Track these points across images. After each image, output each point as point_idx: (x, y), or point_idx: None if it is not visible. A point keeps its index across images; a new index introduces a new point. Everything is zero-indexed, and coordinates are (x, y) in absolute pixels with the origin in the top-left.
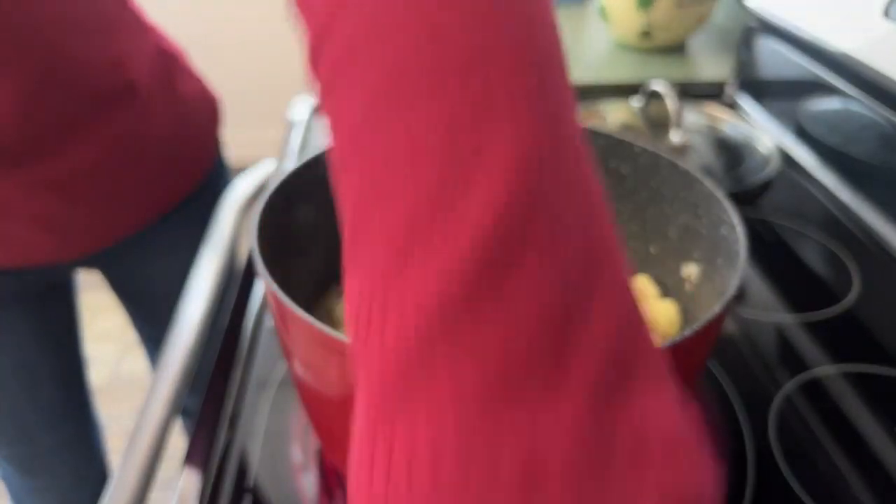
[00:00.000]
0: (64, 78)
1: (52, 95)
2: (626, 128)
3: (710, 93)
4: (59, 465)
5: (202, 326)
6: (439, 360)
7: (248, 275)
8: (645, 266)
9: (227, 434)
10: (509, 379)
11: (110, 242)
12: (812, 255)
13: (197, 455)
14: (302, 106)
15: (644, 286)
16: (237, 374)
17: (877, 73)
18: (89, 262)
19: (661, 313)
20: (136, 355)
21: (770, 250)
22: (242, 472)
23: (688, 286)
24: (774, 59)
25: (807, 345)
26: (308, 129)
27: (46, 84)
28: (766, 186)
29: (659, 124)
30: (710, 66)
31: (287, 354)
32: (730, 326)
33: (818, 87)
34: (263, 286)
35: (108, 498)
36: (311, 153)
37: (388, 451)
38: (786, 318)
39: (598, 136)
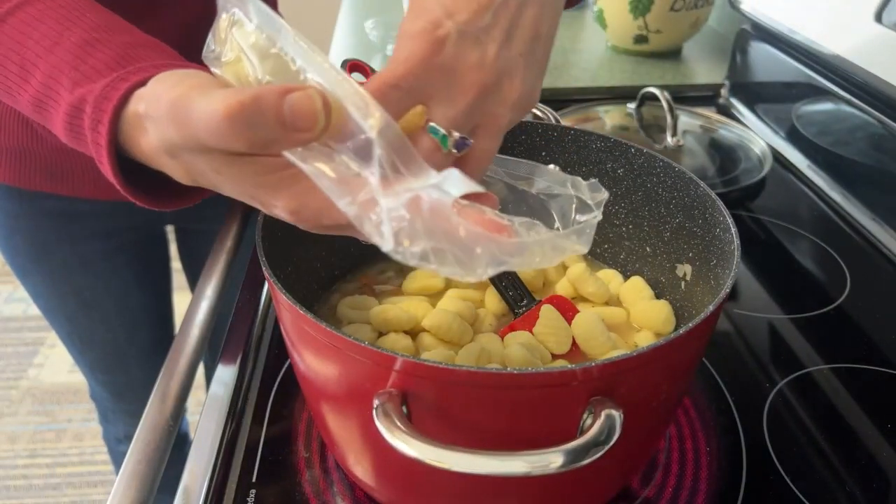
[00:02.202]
0: None
1: None
2: (622, 130)
3: (705, 96)
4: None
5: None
6: None
7: (254, 270)
8: (640, 265)
9: (231, 426)
10: None
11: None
12: (804, 254)
13: (202, 449)
14: None
15: (639, 287)
16: (244, 368)
17: (868, 75)
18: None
19: (656, 313)
20: None
21: (763, 250)
22: (247, 466)
23: (682, 285)
24: (767, 62)
25: (800, 342)
26: None
27: None
28: (759, 187)
29: (654, 127)
30: (705, 69)
31: (290, 350)
32: (724, 324)
33: (811, 90)
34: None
35: None
36: None
37: None
38: (779, 316)
39: (594, 139)
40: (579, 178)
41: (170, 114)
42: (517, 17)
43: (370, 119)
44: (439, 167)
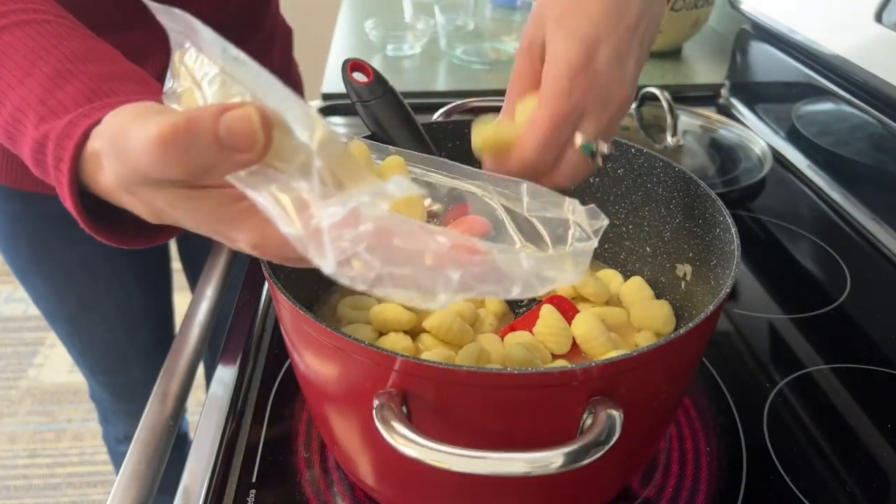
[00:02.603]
0: None
1: None
2: (622, 130)
3: (705, 96)
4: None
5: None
6: None
7: (254, 270)
8: (640, 265)
9: (231, 426)
10: None
11: None
12: (804, 254)
13: (202, 449)
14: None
15: (639, 287)
16: (244, 368)
17: (868, 75)
18: None
19: (656, 313)
20: None
21: (763, 250)
22: (247, 466)
23: (683, 285)
24: (768, 62)
25: (800, 342)
26: None
27: None
28: (759, 187)
29: (654, 127)
30: (705, 69)
31: (290, 350)
32: (724, 324)
33: (811, 90)
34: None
35: None
36: None
37: None
38: (779, 316)
39: None
40: (577, 202)
41: (112, 147)
42: (641, 33)
43: (311, 132)
44: (583, 176)
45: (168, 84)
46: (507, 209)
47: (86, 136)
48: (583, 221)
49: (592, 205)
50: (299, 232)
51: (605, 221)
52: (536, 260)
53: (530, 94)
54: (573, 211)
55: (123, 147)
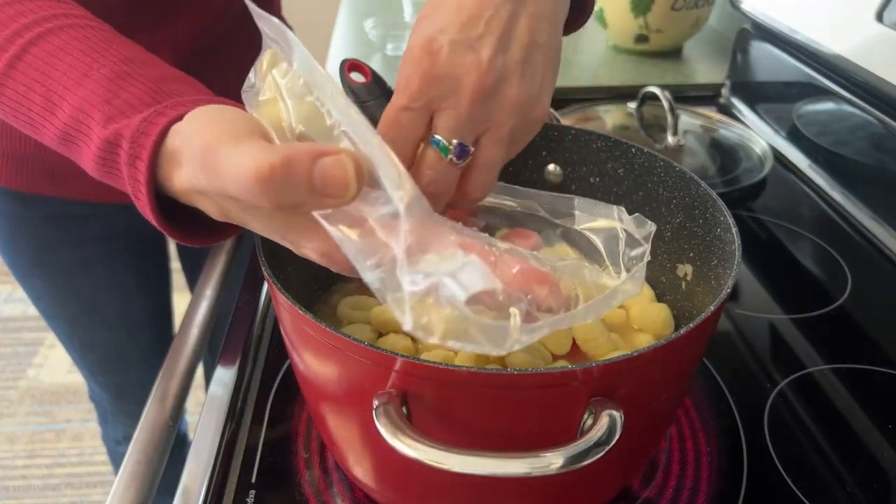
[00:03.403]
0: None
1: None
2: (623, 130)
3: (705, 95)
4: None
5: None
6: None
7: (254, 270)
8: None
9: (230, 426)
10: None
11: None
12: (805, 254)
13: (201, 449)
14: None
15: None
16: (244, 368)
17: (869, 74)
18: None
19: (654, 316)
20: None
21: (764, 249)
22: (247, 467)
23: (683, 285)
24: (768, 61)
25: (801, 342)
26: None
27: None
28: (760, 187)
29: (655, 127)
30: (706, 69)
31: (290, 351)
32: (725, 324)
33: (811, 89)
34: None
35: None
36: None
37: None
38: (780, 316)
39: (595, 138)
40: (623, 210)
41: (201, 159)
42: (510, 26)
43: (400, 192)
44: (444, 179)
45: (251, 82)
46: (559, 226)
47: (164, 134)
48: (631, 229)
49: (637, 214)
50: (380, 281)
51: (653, 227)
52: (597, 270)
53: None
54: (621, 219)
55: (214, 167)
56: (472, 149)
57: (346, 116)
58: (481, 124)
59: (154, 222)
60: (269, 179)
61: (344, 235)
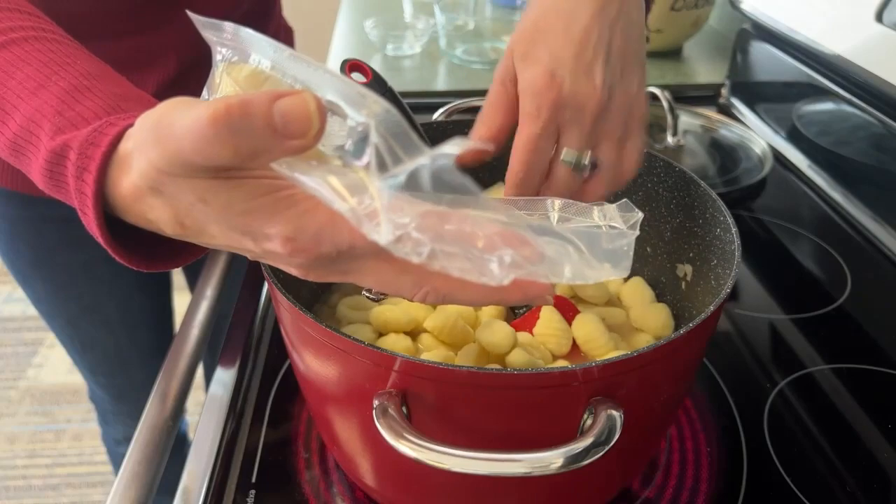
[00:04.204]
0: None
1: None
2: None
3: (705, 95)
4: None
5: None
6: None
7: (254, 270)
8: (641, 265)
9: (231, 426)
10: None
11: None
12: (805, 254)
13: (201, 449)
14: None
15: (639, 288)
16: (244, 369)
17: (869, 74)
18: None
19: (654, 317)
20: None
21: (764, 249)
22: (247, 467)
23: (683, 285)
24: (768, 61)
25: (800, 342)
26: None
27: None
28: (760, 187)
29: (655, 127)
30: (705, 69)
31: (290, 351)
32: (724, 324)
33: (811, 90)
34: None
35: None
36: None
37: None
38: (780, 316)
39: None
40: (607, 204)
41: (152, 133)
42: (610, 44)
43: (365, 109)
44: (573, 191)
45: (204, 97)
46: (538, 227)
47: (114, 145)
48: (615, 220)
49: (625, 200)
50: (352, 206)
51: (640, 214)
52: (582, 255)
53: (498, 185)
54: (603, 214)
55: (166, 131)
56: (598, 159)
57: (296, 63)
58: (601, 135)
59: (101, 240)
60: (226, 121)
61: (314, 179)
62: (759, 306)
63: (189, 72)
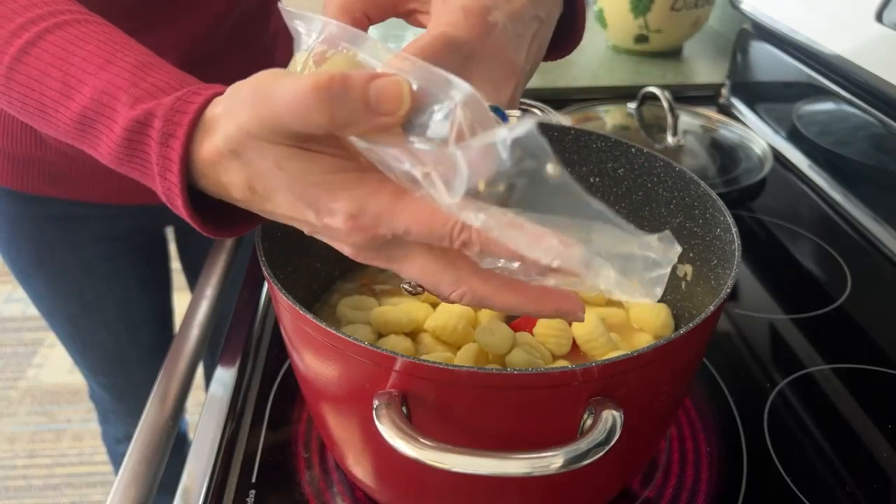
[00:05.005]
0: None
1: None
2: (623, 130)
3: (705, 95)
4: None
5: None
6: None
7: (254, 270)
8: None
9: (231, 426)
10: None
11: None
12: (805, 254)
13: (201, 449)
14: None
15: None
16: (244, 369)
17: (869, 75)
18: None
19: (654, 317)
20: None
21: (764, 250)
22: (247, 467)
23: (683, 285)
24: (768, 61)
25: (800, 342)
26: None
27: None
28: (760, 187)
29: (655, 127)
30: (706, 69)
31: (290, 351)
32: (724, 324)
33: (811, 90)
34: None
35: None
36: None
37: None
38: (780, 316)
39: (594, 138)
40: (645, 234)
41: (251, 95)
42: (539, 29)
43: (453, 90)
44: None
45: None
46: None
47: (201, 111)
48: (655, 253)
49: (666, 231)
50: (427, 170)
51: (679, 249)
52: (618, 277)
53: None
54: (642, 245)
55: (264, 96)
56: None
57: (383, 55)
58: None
59: (180, 202)
60: (328, 88)
61: (388, 148)
62: (759, 306)
63: (189, 71)
